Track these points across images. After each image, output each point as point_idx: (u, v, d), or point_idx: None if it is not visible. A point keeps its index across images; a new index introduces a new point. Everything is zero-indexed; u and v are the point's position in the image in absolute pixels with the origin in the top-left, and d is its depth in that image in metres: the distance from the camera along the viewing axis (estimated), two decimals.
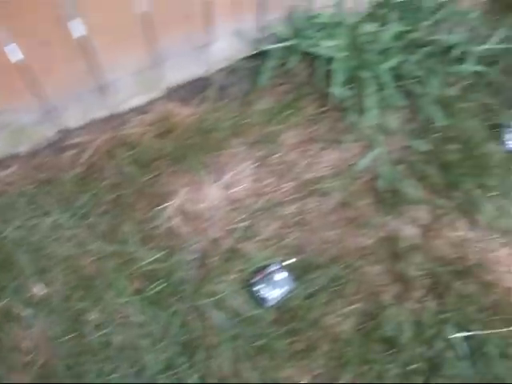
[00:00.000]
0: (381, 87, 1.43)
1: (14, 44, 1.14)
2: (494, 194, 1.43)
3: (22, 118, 1.33)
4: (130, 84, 1.41)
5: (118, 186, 1.41)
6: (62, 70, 1.27)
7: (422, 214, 1.42)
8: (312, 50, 1.45)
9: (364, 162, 1.45)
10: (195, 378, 1.20)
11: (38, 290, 1.32)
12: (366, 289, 1.32)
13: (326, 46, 1.43)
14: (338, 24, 1.46)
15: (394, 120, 1.48)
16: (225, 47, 1.45)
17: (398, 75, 1.50)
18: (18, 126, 1.34)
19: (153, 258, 1.32)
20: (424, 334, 1.27)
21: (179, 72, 1.45)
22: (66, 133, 1.46)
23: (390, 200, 1.41)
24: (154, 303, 1.28)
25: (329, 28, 1.45)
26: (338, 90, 1.42)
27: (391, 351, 1.24)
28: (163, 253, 1.33)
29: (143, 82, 1.42)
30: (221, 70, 1.51)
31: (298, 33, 1.45)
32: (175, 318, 1.26)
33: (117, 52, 1.30)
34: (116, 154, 1.44)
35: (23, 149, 1.43)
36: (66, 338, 1.26)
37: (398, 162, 1.45)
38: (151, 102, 1.49)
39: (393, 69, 1.47)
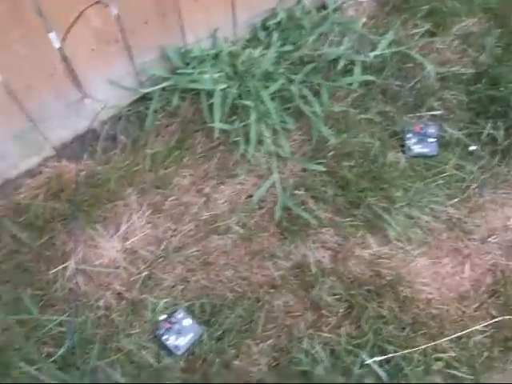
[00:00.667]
0: (266, 113, 1.44)
1: None
2: (400, 204, 1.44)
3: None
4: (15, 148, 1.43)
5: (15, 253, 1.44)
6: None
7: (329, 236, 1.43)
8: (192, 85, 1.46)
9: (260, 193, 1.45)
10: None
11: None
12: (277, 323, 1.33)
13: (206, 80, 1.43)
14: (216, 55, 1.48)
15: (286, 144, 1.49)
16: (104, 97, 1.46)
17: (284, 98, 1.51)
18: None
19: (58, 321, 1.34)
20: (341, 362, 1.27)
21: (62, 131, 1.47)
22: None
23: (293, 228, 1.42)
24: (63, 367, 1.30)
25: (207, 60, 1.46)
26: (220, 124, 1.44)
27: None
28: (67, 314, 1.35)
29: (28, 145, 1.45)
30: (106, 120, 1.53)
31: (174, 71, 1.46)
32: (85, 378, 1.28)
33: None
34: (8, 222, 1.46)
35: None
36: None
37: (296, 187, 1.46)
38: (41, 163, 1.51)
39: (278, 91, 1.49)
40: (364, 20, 1.70)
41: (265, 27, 1.59)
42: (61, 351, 1.31)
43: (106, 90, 1.46)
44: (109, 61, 1.42)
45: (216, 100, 1.44)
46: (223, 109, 1.45)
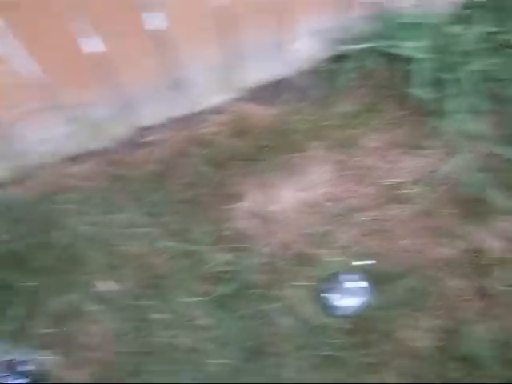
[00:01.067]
0: (465, 90, 1.41)
1: (91, 35, 1.18)
2: None
3: (98, 112, 1.38)
4: (207, 82, 1.44)
5: (191, 185, 1.45)
6: (138, 63, 1.30)
7: (510, 225, 1.37)
8: (393, 50, 1.44)
9: (446, 169, 1.43)
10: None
11: (108, 286, 1.37)
12: (446, 303, 1.30)
13: (408, 47, 1.42)
14: (420, 24, 1.45)
15: (478, 125, 1.44)
16: (305, 47, 1.46)
17: (483, 78, 1.46)
18: (93, 121, 1.39)
19: (222, 260, 1.35)
20: (509, 354, 1.21)
21: (257, 71, 1.47)
22: (141, 130, 1.51)
23: (475, 209, 1.37)
24: (221, 306, 1.29)
25: (411, 28, 1.44)
26: (418, 92, 1.41)
27: (471, 371, 1.21)
28: (233, 255, 1.35)
29: (220, 81, 1.45)
30: (300, 71, 1.53)
31: (379, 33, 1.45)
32: (242, 322, 1.28)
33: (194, 47, 1.32)
34: (190, 153, 1.47)
35: (98, 145, 1.48)
36: (132, 336, 1.30)
37: (484, 169, 1.41)
38: (227, 102, 1.52)
39: (478, 72, 1.44)
40: None
41: (470, 5, 1.56)
42: (221, 290, 1.32)
43: (307, 40, 1.47)
44: (322, 11, 1.43)
45: (415, 67, 1.43)
46: (420, 78, 1.44)
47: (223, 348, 1.24)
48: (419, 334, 1.26)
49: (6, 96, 1.22)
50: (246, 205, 1.41)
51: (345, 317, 1.27)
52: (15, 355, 1.29)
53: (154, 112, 1.46)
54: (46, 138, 1.38)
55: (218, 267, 1.32)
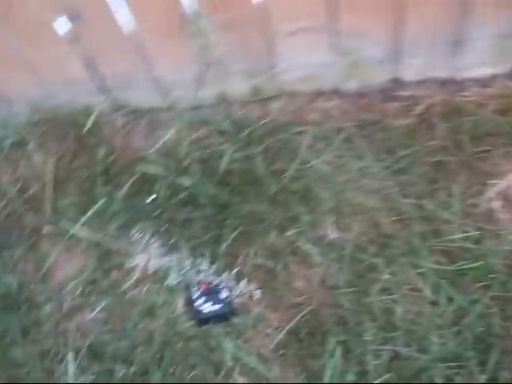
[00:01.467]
0: None
1: None
2: None
3: (366, 52, 1.36)
4: (480, 51, 1.35)
5: (443, 151, 1.38)
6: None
7: None
8: None
9: None
10: (482, 378, 1.12)
11: (331, 231, 1.37)
12: None
13: None
14: None
15: None
16: None
17: None
18: (355, 61, 1.38)
19: (463, 236, 1.26)
20: None
21: None
22: (400, 83, 1.46)
23: None
24: (453, 284, 1.22)
25: None
26: None
27: None
28: (476, 233, 1.26)
29: (495, 53, 1.34)
30: None
31: None
32: (474, 306, 1.19)
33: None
34: (449, 118, 1.39)
35: (352, 85, 1.47)
36: (347, 290, 1.29)
37: None
38: (495, 76, 1.42)
39: None
40: None
41: None
42: (457, 266, 1.27)
43: None
44: None
45: None
46: None
47: (446, 328, 1.19)
48: None
49: None
50: (502, 186, 1.30)
51: None
52: (217, 280, 1.35)
53: (416, 68, 1.42)
54: (306, 63, 1.39)
55: (457, 242, 1.25)
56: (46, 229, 1.46)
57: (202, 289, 1.35)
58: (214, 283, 1.36)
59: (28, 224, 1.44)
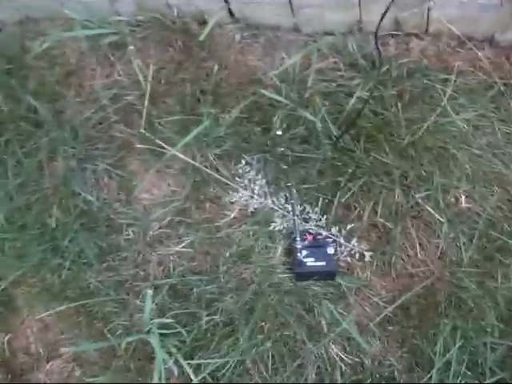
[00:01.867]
0: None
1: None
2: None
3: None
4: None
5: None
6: None
7: None
8: None
9: None
10: None
11: (463, 200, 1.24)
12: None
13: None
14: None
15: None
16: None
17: None
18: None
19: None
20: None
21: None
22: None
23: None
24: None
25: None
26: None
27: None
28: None
29: None
30: None
31: None
32: None
33: None
34: None
35: (510, 36, 1.27)
36: (471, 269, 1.21)
37: None
38: None
39: None
40: None
41: None
42: None
43: None
44: None
45: None
46: None
47: None
48: None
49: None
50: None
51: None
52: (324, 233, 1.24)
53: None
54: (464, 2, 1.21)
55: None
56: (138, 145, 1.28)
57: (307, 240, 1.22)
58: (322, 236, 1.22)
59: (117, 137, 1.25)
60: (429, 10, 1.23)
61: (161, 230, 1.31)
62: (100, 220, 1.32)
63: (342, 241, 1.21)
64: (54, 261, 1.32)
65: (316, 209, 1.23)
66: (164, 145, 1.21)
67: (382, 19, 1.02)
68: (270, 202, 1.20)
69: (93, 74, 1.39)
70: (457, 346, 1.08)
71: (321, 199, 1.23)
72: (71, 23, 1.36)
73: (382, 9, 1.15)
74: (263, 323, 1.21)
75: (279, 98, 1.17)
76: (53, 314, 1.32)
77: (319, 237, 1.21)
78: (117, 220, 1.32)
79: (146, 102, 1.20)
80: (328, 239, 1.20)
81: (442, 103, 1.19)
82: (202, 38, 1.17)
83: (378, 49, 1.08)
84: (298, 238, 1.18)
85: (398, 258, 1.23)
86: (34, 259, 1.30)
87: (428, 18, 1.25)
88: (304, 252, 1.19)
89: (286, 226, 1.22)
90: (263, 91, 1.18)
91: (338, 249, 1.20)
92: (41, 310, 1.31)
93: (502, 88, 1.23)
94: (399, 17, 1.28)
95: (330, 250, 1.19)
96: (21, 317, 1.37)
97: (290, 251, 1.22)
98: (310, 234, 1.21)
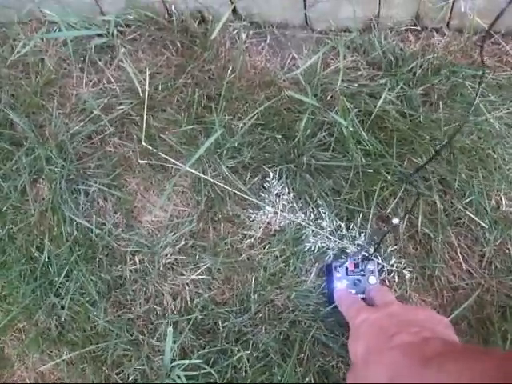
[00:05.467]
0: None
1: None
2: None
3: None
4: None
5: None
6: None
7: None
8: None
9: None
10: None
11: (504, 204, 1.18)
12: None
13: None
14: None
15: None
16: None
17: None
18: None
19: None
20: None
21: None
22: None
23: None
24: None
25: None
26: None
27: None
28: None
29: None
30: None
31: None
32: None
33: None
34: None
35: None
36: None
37: None
38: None
39: None
40: None
41: None
42: None
43: None
44: None
45: None
46: None
47: None
48: None
49: None
50: None
51: None
52: (360, 254, 1.14)
53: None
54: None
55: None
56: (139, 160, 1.18)
57: (347, 267, 1.12)
58: (359, 258, 1.14)
59: (112, 152, 1.09)
60: (454, 2, 1.16)
61: (172, 257, 1.18)
62: (99, 249, 1.17)
63: (380, 261, 1.13)
64: (49, 301, 1.15)
65: (350, 223, 1.15)
66: (171, 159, 1.12)
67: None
68: (298, 217, 1.10)
69: (77, 82, 1.19)
70: None
71: (355, 212, 1.15)
72: (48, 26, 1.29)
73: (402, 2, 1.12)
74: (302, 354, 1.11)
75: (307, 100, 1.07)
76: (51, 363, 1.12)
77: (356, 259, 1.12)
78: (119, 248, 1.17)
79: (145, 111, 1.09)
80: (370, 266, 1.13)
81: (475, 101, 1.13)
82: (212, 36, 1.13)
83: (481, 53, 0.96)
84: (334, 262, 1.12)
85: (440, 270, 1.15)
86: (23, 301, 1.06)
87: (452, 10, 1.16)
88: (345, 282, 1.10)
89: (320, 245, 1.13)
90: (289, 93, 1.11)
91: (376, 269, 1.12)
92: (36, 360, 1.06)
93: None
94: (420, 10, 1.20)
95: (372, 280, 1.10)
96: (11, 368, 1.21)
97: (325, 275, 1.15)
98: (350, 259, 1.12)
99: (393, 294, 0.98)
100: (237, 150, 1.15)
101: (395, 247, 1.13)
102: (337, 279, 1.09)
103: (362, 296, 1.07)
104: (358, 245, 1.10)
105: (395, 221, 0.94)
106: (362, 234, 1.13)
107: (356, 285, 1.10)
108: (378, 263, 1.11)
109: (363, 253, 1.09)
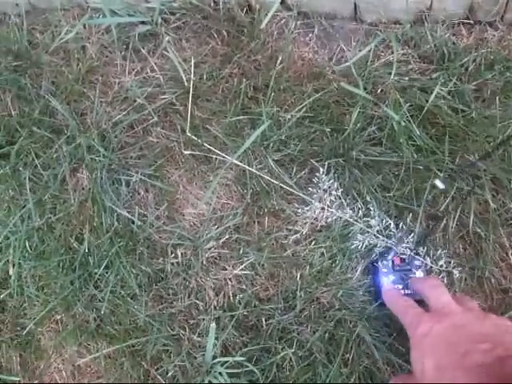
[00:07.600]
0: None
1: None
2: None
3: None
4: None
5: None
6: None
7: None
8: None
9: None
10: None
11: None
12: None
13: None
14: None
15: None
16: None
17: None
18: None
19: None
20: None
21: None
22: None
23: None
24: None
25: None
26: None
27: None
28: None
29: None
30: None
31: None
32: None
33: None
34: None
35: None
36: None
37: None
38: None
39: None
40: None
41: None
42: None
43: None
44: None
45: None
46: None
47: None
48: None
49: None
50: None
51: None
52: (409, 253, 1.14)
53: None
54: None
55: None
56: (183, 150, 1.17)
57: (394, 263, 1.11)
58: (407, 255, 1.12)
59: (155, 142, 1.07)
60: None
61: (215, 251, 1.16)
62: (140, 241, 1.15)
63: (428, 262, 1.12)
64: (88, 292, 1.13)
65: (399, 221, 1.13)
66: (216, 150, 1.12)
67: None
68: (346, 213, 1.09)
69: (120, 70, 1.16)
70: None
71: (405, 211, 1.13)
72: (91, 13, 1.28)
73: None
74: (347, 354, 1.09)
75: (360, 92, 1.06)
76: (87, 356, 1.14)
77: (404, 256, 1.11)
78: (160, 240, 1.15)
79: (190, 101, 1.10)
80: (416, 261, 1.10)
81: None
82: (262, 26, 1.12)
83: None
84: (381, 260, 1.10)
85: (490, 271, 1.12)
86: (62, 292, 1.05)
87: (507, 3, 1.14)
88: (391, 277, 1.10)
89: (368, 243, 1.12)
90: (342, 84, 1.09)
91: (425, 269, 1.10)
92: (73, 353, 1.04)
93: None
94: (474, 3, 1.18)
95: (420, 275, 1.08)
96: (48, 360, 1.20)
97: (371, 272, 1.13)
98: (397, 255, 1.11)
99: (445, 286, 0.93)
100: (283, 143, 1.11)
101: (445, 249, 1.13)
102: (383, 274, 1.07)
103: (408, 292, 1.08)
104: (406, 242, 1.11)
105: (440, 185, 0.89)
106: (410, 233, 1.13)
107: (403, 280, 1.08)
108: (426, 264, 1.10)
109: (406, 245, 1.10)
